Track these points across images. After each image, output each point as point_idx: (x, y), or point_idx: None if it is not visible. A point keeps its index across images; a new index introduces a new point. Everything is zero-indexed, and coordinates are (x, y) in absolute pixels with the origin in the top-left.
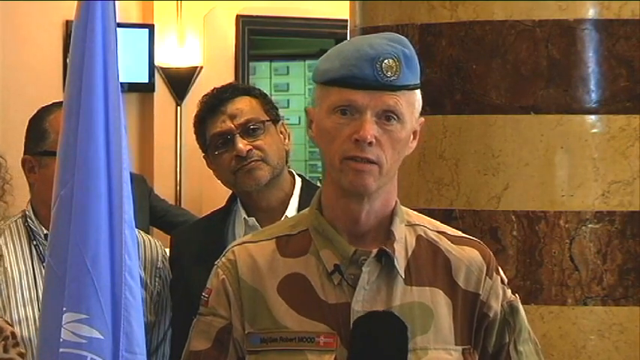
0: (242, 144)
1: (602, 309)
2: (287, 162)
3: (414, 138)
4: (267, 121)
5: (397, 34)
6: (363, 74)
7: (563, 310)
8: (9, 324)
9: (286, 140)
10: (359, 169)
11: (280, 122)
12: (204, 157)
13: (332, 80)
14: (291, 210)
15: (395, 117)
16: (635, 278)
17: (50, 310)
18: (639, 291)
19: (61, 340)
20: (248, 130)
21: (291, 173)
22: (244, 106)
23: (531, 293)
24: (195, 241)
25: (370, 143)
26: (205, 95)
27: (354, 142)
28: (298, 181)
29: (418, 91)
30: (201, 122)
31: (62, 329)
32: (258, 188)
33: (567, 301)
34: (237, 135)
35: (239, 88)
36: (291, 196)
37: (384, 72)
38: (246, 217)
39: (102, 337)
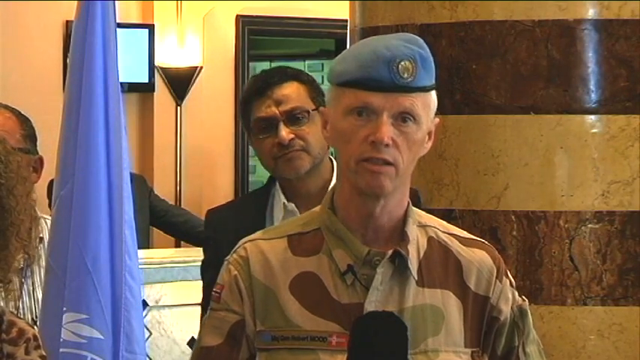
0: (285, 132)
1: (601, 309)
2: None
3: (430, 139)
4: (313, 109)
5: (412, 35)
6: (379, 76)
7: (563, 310)
8: (31, 326)
9: None
10: (375, 171)
11: None
12: (247, 136)
13: (348, 82)
14: None
15: (411, 118)
16: (634, 278)
17: (50, 310)
18: (639, 291)
19: (61, 340)
20: (292, 118)
21: (330, 159)
22: (291, 93)
23: (531, 293)
24: (232, 222)
25: (387, 145)
26: (254, 76)
27: (370, 143)
28: (336, 166)
29: (434, 92)
30: (247, 103)
31: (62, 329)
32: (297, 176)
33: (567, 301)
34: (282, 122)
35: (288, 72)
36: (330, 182)
37: (401, 74)
38: (286, 202)
39: (102, 337)
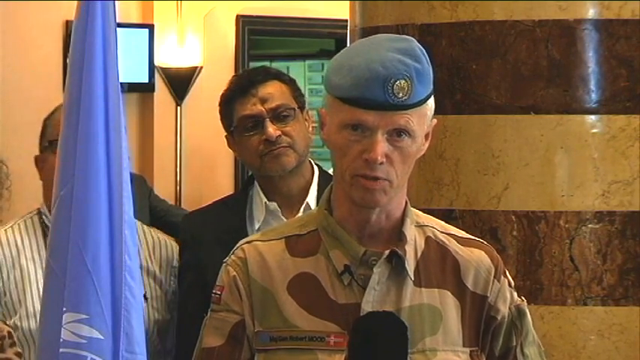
0: (272, 129)
1: (602, 309)
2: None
3: (426, 140)
4: (297, 107)
5: (409, 44)
6: (373, 96)
7: (563, 310)
8: (6, 324)
9: (310, 128)
10: (369, 188)
11: (306, 110)
12: (226, 136)
13: (342, 98)
14: (311, 197)
15: (406, 133)
16: (635, 278)
17: (50, 310)
18: (639, 291)
19: (61, 340)
20: (278, 116)
21: (310, 162)
22: (275, 91)
23: (531, 293)
24: (212, 225)
25: (381, 163)
26: (235, 76)
27: (364, 161)
28: (316, 169)
29: (431, 99)
30: (229, 102)
31: (62, 329)
32: (282, 174)
33: (567, 301)
34: (268, 119)
35: (271, 72)
36: (312, 183)
37: (395, 94)
38: (268, 202)
39: (102, 337)
